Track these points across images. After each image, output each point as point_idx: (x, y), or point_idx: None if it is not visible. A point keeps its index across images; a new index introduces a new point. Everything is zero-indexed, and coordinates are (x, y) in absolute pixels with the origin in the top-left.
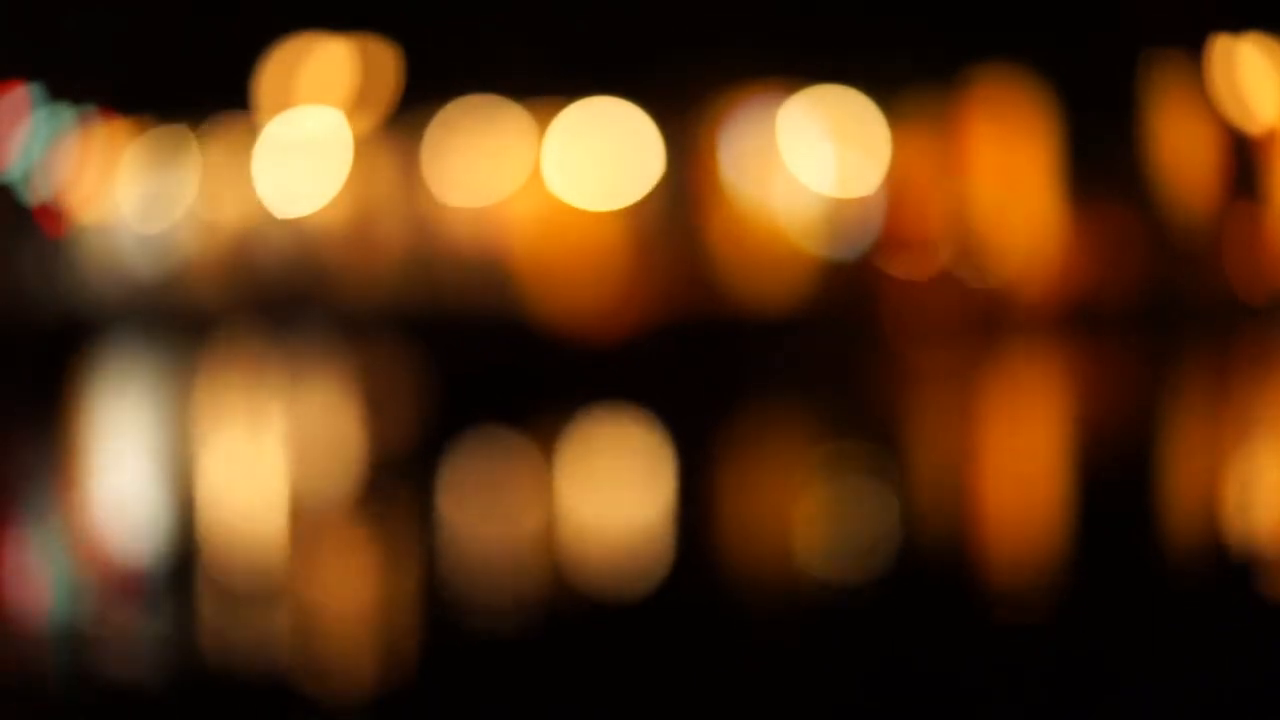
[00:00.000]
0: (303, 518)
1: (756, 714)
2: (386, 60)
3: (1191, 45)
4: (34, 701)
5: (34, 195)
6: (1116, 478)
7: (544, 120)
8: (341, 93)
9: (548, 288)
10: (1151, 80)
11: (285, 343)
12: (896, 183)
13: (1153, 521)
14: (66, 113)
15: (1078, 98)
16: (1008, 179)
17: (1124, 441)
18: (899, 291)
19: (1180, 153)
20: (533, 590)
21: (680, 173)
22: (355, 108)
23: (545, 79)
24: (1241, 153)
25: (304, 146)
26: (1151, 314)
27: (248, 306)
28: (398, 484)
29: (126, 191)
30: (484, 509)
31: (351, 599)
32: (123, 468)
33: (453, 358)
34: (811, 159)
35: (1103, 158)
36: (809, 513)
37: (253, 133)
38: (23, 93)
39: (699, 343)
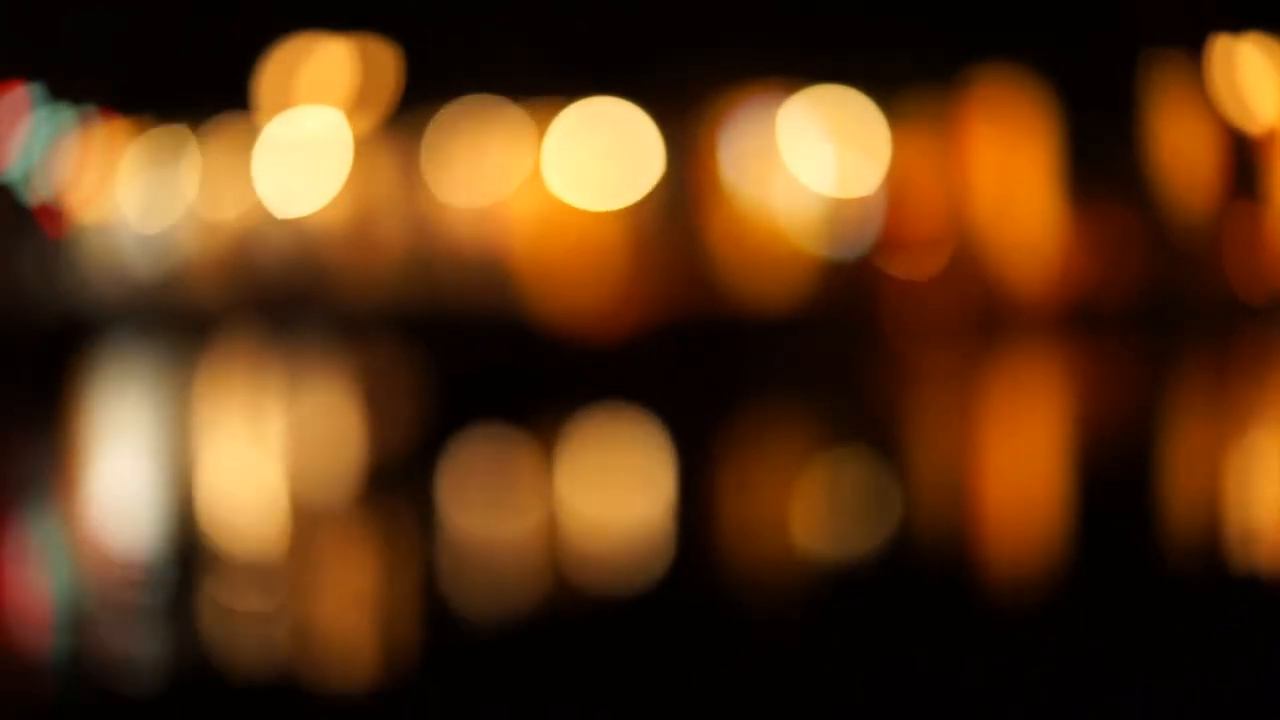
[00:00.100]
0: (303, 517)
1: (756, 714)
2: (386, 60)
3: (1191, 45)
4: (35, 701)
5: (34, 195)
6: (1116, 477)
7: (544, 120)
8: (341, 93)
9: (548, 288)
10: (1151, 80)
11: (285, 343)
12: (896, 183)
13: (1153, 521)
14: (66, 113)
15: (1078, 98)
16: (1008, 179)
17: (1124, 441)
18: (899, 291)
19: (1180, 153)
20: (533, 589)
21: (680, 173)
22: (355, 108)
23: (545, 79)
24: (1241, 153)
25: (304, 146)
26: (1151, 314)
27: (248, 306)
28: (398, 484)
29: (126, 191)
30: (484, 508)
31: (351, 599)
32: (123, 468)
33: (453, 358)
34: (811, 159)
35: (1103, 158)
36: (809, 512)
37: (253, 133)
38: (23, 93)
39: (699, 343)
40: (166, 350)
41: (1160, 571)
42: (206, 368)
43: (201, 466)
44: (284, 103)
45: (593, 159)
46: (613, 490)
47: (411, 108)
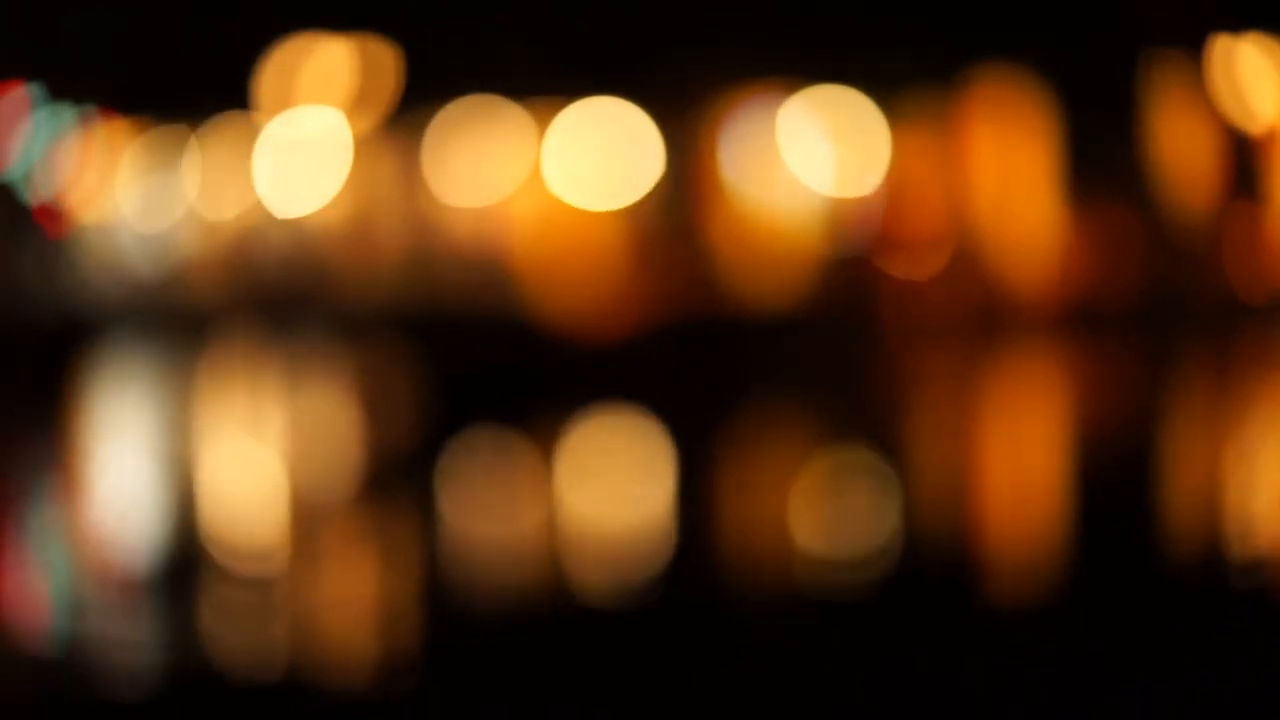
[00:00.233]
0: (302, 517)
1: (756, 714)
2: (386, 60)
3: (1191, 45)
4: (35, 701)
5: (34, 195)
6: (1116, 477)
7: (544, 120)
8: (341, 93)
9: (548, 288)
10: (1151, 80)
11: (285, 343)
12: (896, 183)
13: (1153, 521)
14: (66, 113)
15: (1078, 98)
16: (1008, 179)
17: (1124, 441)
18: (899, 291)
19: (1180, 153)
20: (532, 589)
21: (680, 173)
22: (355, 108)
23: (545, 79)
24: (1241, 153)
25: (304, 146)
26: (1151, 314)
27: (248, 306)
28: (397, 483)
29: (126, 191)
30: (483, 508)
31: (351, 598)
32: (123, 467)
33: (452, 358)
34: (811, 159)
35: (1103, 158)
36: (809, 512)
37: (253, 133)
38: (23, 93)
39: (699, 343)
40: (166, 350)
41: (1160, 571)
42: (206, 368)
43: (201, 466)
44: (284, 102)
45: (593, 159)
46: (613, 490)
47: (411, 108)
